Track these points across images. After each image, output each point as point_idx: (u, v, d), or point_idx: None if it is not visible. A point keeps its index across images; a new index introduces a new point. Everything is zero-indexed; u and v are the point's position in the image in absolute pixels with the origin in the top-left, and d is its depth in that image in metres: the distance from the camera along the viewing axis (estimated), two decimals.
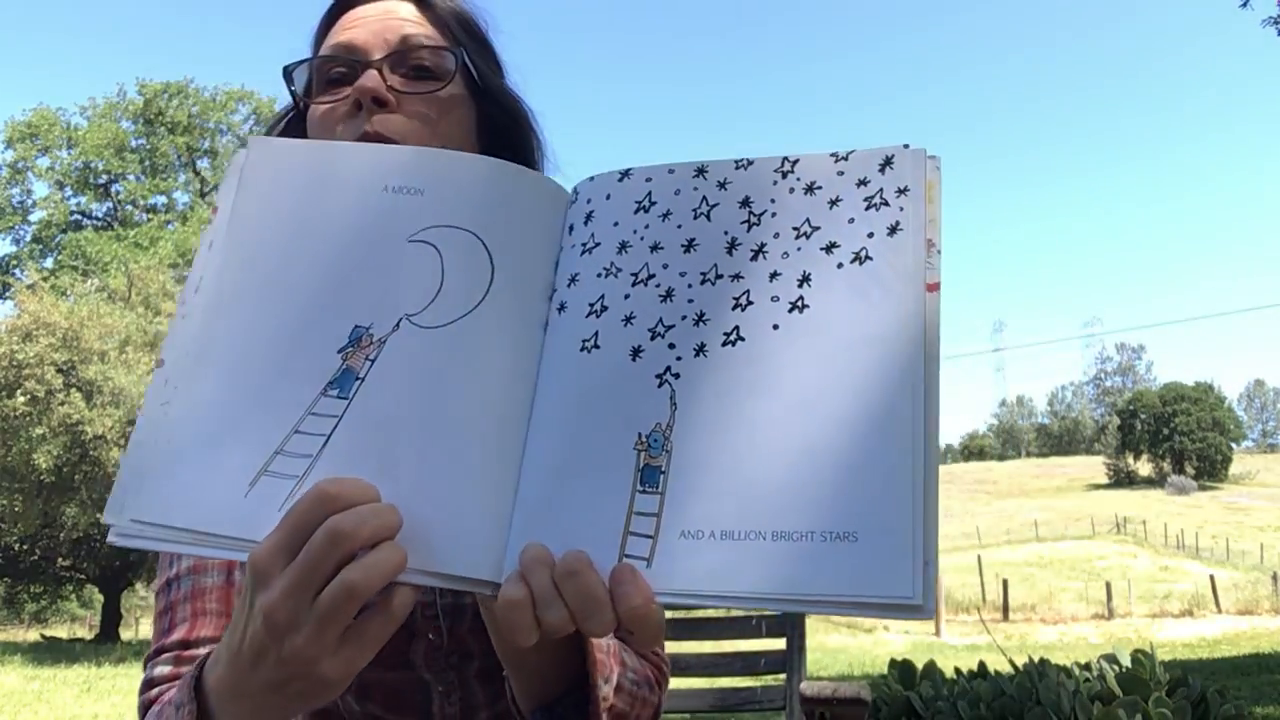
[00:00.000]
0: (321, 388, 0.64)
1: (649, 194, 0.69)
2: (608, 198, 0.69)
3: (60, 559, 25.06)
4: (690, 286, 0.65)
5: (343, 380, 0.64)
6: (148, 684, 0.86)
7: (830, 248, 0.63)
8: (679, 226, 0.67)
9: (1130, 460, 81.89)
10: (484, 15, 1.02)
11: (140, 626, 30.71)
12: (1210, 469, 77.08)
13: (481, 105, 0.96)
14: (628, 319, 0.65)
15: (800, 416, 0.59)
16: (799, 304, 0.62)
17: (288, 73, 0.95)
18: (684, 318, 0.64)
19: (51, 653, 17.85)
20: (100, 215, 32.55)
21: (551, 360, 0.66)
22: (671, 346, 0.63)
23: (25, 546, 24.72)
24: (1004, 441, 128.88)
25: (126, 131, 32.45)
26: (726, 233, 0.66)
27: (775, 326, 0.62)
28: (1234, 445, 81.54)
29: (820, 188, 0.65)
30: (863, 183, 0.65)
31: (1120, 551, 41.91)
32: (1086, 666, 4.67)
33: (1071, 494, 72.37)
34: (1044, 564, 38.83)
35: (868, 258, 0.63)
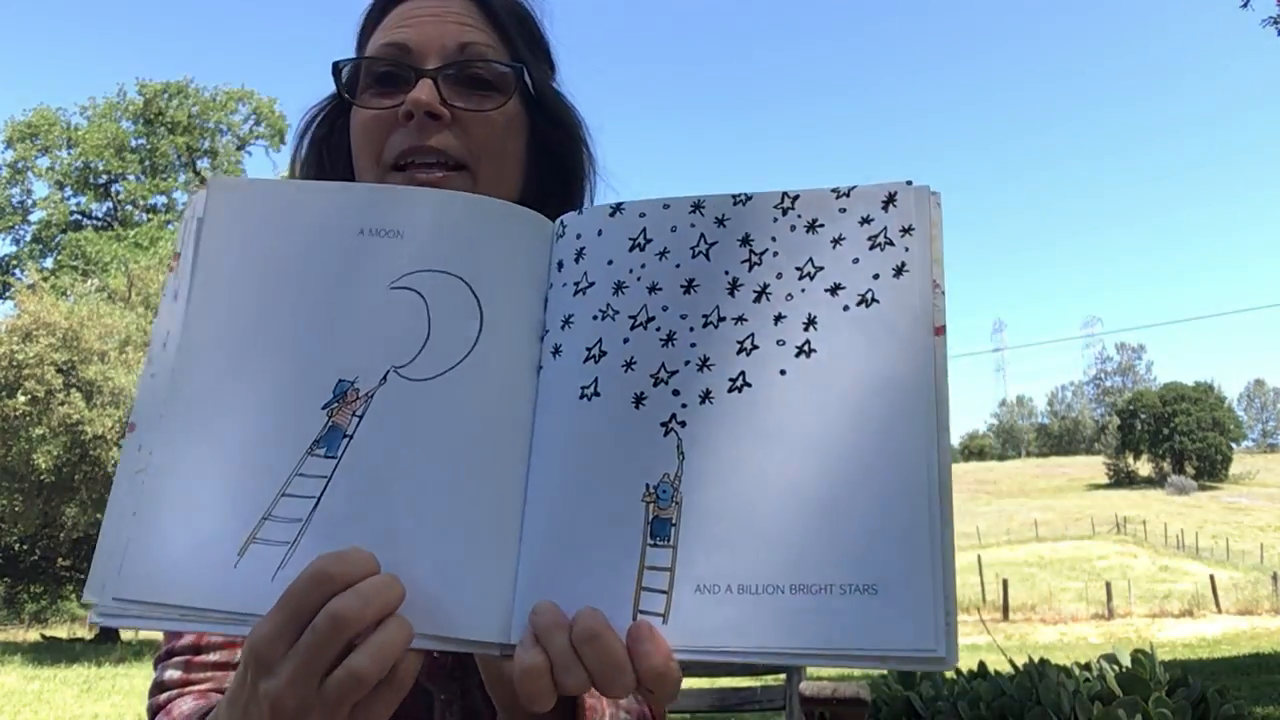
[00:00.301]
0: (307, 446, 0.60)
1: (643, 230, 0.66)
2: (599, 234, 0.67)
3: (60, 559, 25.06)
4: (692, 330, 0.63)
5: (329, 438, 0.61)
6: (158, 687, 0.85)
7: (835, 289, 0.62)
8: (677, 266, 0.65)
9: (1130, 460, 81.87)
10: (538, 5, 0.98)
11: None
12: (1210, 469, 77.05)
13: (535, 119, 0.93)
14: (628, 364, 0.63)
15: (813, 465, 0.58)
16: (805, 348, 0.61)
17: (337, 68, 0.91)
18: (687, 362, 0.62)
19: (51, 653, 17.84)
20: (100, 215, 32.54)
21: (549, 408, 0.64)
22: (676, 393, 0.61)
23: (25, 546, 24.72)
24: (1004, 441, 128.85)
25: (126, 131, 32.42)
26: (727, 272, 0.64)
27: (782, 372, 0.61)
28: (1234, 445, 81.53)
29: (822, 225, 0.64)
30: (866, 221, 0.63)
31: (1120, 551, 41.90)
32: (1086, 666, 4.68)
33: (1071, 494, 72.35)
34: (1044, 564, 38.82)
35: (874, 300, 0.61)
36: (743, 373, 0.61)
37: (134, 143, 32.57)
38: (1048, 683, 4.27)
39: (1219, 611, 24.51)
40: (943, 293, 0.61)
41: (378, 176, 0.88)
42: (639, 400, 0.62)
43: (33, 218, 31.84)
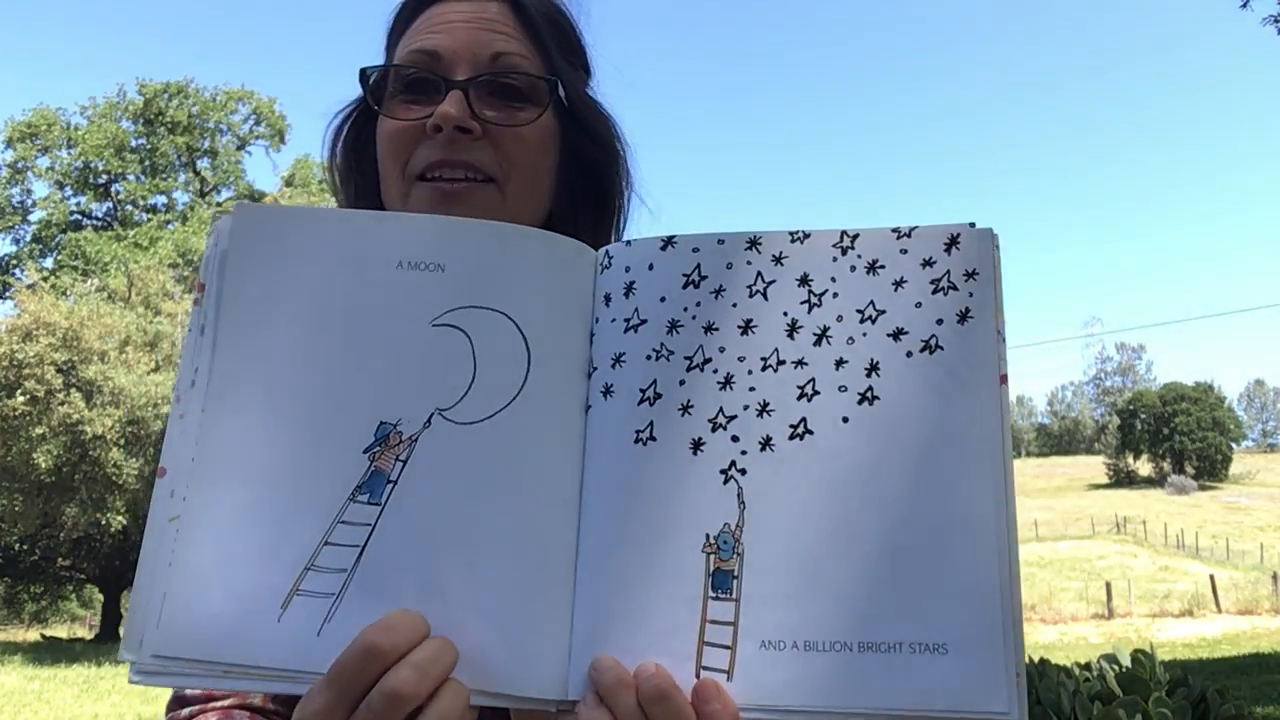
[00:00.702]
0: (349, 492, 0.58)
1: (698, 266, 0.64)
2: (650, 268, 0.64)
3: (60, 559, 25.09)
4: (750, 373, 0.61)
5: (372, 483, 0.59)
6: (177, 702, 0.82)
7: (898, 334, 0.61)
8: (734, 305, 0.63)
9: (1130, 460, 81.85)
10: (574, 5, 0.95)
11: None
12: (1210, 469, 77.02)
13: (569, 131, 0.90)
14: (685, 408, 0.61)
15: (878, 518, 0.57)
16: (868, 395, 0.59)
17: (365, 75, 0.88)
18: (746, 407, 0.60)
19: (51, 653, 17.86)
20: (100, 215, 32.56)
21: (601, 452, 0.61)
22: (735, 439, 0.60)
23: (25, 546, 24.74)
24: None
25: (126, 131, 32.44)
26: (786, 313, 0.62)
27: (845, 419, 0.59)
28: (1234, 445, 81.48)
29: (883, 267, 0.62)
30: (928, 263, 0.62)
31: (1120, 551, 41.92)
32: (1086, 666, 4.69)
33: (1071, 494, 72.38)
34: (1044, 564, 38.82)
35: (938, 347, 0.60)
36: (804, 419, 0.60)
37: (134, 143, 32.60)
38: (1048, 683, 4.28)
39: (1219, 611, 24.53)
40: (1004, 340, 0.60)
41: (403, 188, 0.86)
42: (697, 446, 0.60)
43: (33, 218, 31.91)
